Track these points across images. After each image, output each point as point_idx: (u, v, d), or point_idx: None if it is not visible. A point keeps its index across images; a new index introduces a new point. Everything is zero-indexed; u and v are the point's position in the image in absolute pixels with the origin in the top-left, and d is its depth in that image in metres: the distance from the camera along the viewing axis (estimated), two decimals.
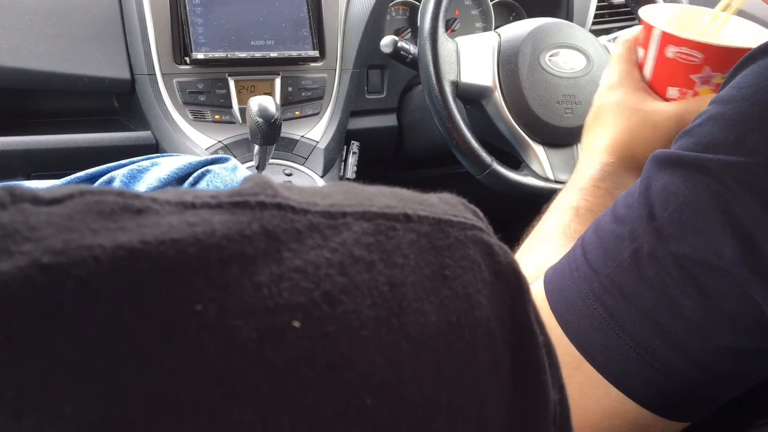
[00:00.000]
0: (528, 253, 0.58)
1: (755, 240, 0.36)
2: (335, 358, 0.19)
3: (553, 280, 0.44)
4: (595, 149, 0.62)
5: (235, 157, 0.87)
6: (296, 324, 0.18)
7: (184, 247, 0.18)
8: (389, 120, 1.20)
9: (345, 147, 1.13)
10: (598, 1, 1.30)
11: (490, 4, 1.20)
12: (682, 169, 0.39)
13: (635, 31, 0.64)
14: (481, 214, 0.25)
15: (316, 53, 1.04)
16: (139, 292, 0.17)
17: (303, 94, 1.06)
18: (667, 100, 0.62)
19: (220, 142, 1.00)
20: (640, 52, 0.63)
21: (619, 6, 1.38)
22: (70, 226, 0.17)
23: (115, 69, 0.99)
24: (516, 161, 0.97)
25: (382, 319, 0.20)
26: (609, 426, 0.40)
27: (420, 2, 0.95)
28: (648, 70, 0.63)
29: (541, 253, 0.57)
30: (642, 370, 0.38)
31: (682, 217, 0.38)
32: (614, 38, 1.14)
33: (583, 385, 0.40)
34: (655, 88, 0.63)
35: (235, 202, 0.19)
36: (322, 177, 1.04)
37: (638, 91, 0.61)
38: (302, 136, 1.05)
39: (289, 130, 1.04)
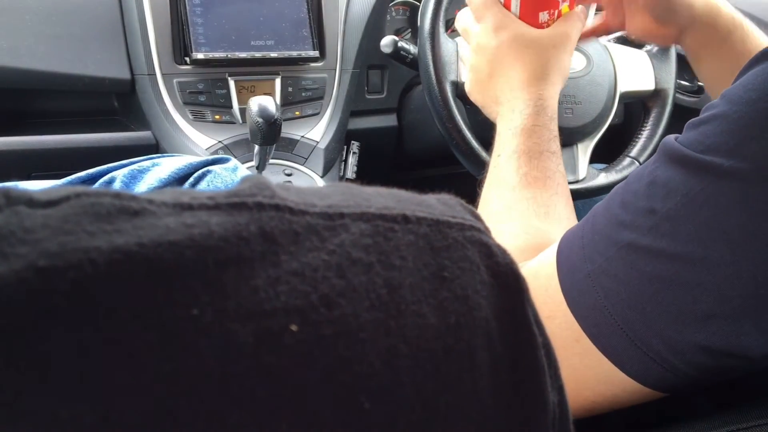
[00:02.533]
0: (488, 203, 0.65)
1: (741, 247, 0.38)
2: (333, 361, 0.19)
3: (565, 251, 0.48)
4: (515, 87, 0.66)
5: (235, 157, 0.87)
6: (294, 327, 0.18)
7: (181, 250, 0.17)
8: (389, 120, 1.20)
9: (345, 147, 1.13)
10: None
11: None
12: (683, 168, 0.41)
13: None
14: (479, 215, 0.25)
15: (316, 53, 1.04)
16: (135, 296, 0.17)
17: (303, 94, 1.06)
18: (539, 25, 0.70)
19: (220, 142, 1.00)
20: None
21: None
22: (66, 228, 0.17)
23: (115, 69, 0.99)
24: None
25: (380, 322, 0.20)
26: (603, 390, 0.44)
27: (420, 2, 0.95)
28: (515, 6, 0.70)
29: (499, 203, 0.63)
30: (628, 348, 0.42)
31: (677, 215, 0.40)
32: (614, 38, 1.14)
33: (582, 355, 0.44)
34: (526, 19, 0.69)
35: (232, 203, 0.19)
36: (322, 177, 1.04)
37: (521, 24, 0.68)
38: (302, 136, 1.05)
39: (289, 130, 1.04)
